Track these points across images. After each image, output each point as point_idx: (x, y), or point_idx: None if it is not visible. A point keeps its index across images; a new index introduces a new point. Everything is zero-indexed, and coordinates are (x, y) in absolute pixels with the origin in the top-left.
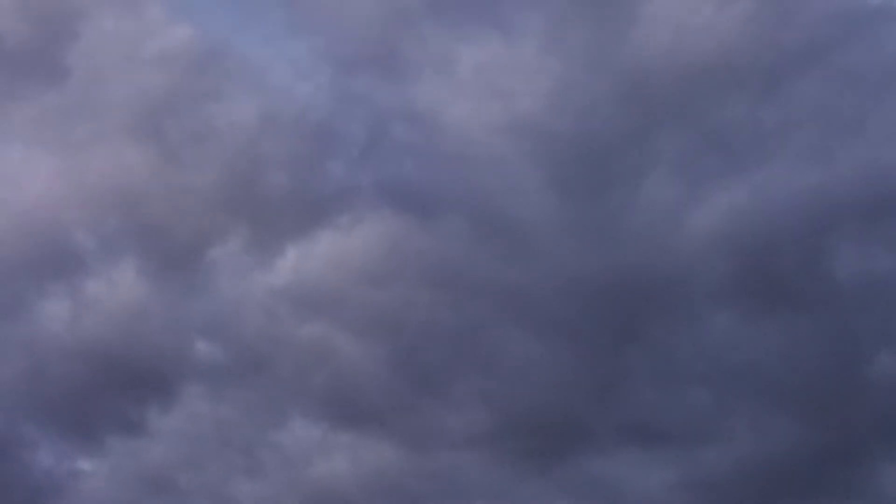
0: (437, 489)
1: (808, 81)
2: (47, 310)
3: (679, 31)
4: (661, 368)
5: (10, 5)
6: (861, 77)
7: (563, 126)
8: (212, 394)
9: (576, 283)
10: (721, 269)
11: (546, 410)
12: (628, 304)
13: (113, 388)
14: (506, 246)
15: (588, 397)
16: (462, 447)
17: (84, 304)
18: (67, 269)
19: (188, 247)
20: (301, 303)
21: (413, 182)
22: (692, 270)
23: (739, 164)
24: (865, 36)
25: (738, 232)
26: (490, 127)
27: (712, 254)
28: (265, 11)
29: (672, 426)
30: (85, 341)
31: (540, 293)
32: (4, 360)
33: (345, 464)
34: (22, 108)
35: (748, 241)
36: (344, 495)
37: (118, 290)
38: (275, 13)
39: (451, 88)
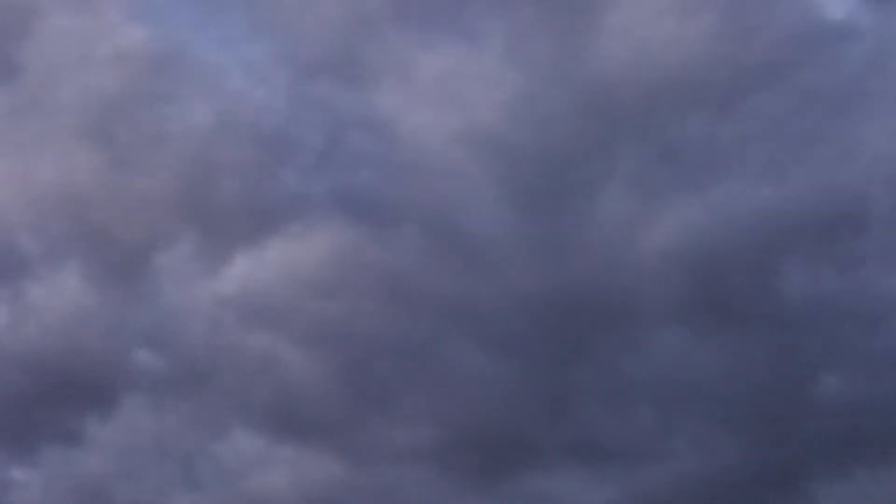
0: None
1: (765, 99)
2: None
3: (640, 45)
4: (607, 386)
5: None
6: (818, 96)
7: (522, 138)
8: (152, 404)
9: (527, 299)
10: (671, 286)
11: (492, 426)
12: (578, 321)
13: (50, 396)
14: (459, 259)
15: (535, 414)
16: (407, 462)
17: (25, 309)
18: (9, 274)
19: (135, 253)
20: (248, 312)
21: (368, 191)
22: (643, 287)
23: (694, 180)
24: (824, 55)
25: (690, 249)
26: (448, 137)
27: (663, 271)
28: (224, 13)
29: (617, 443)
30: (24, 348)
31: (491, 308)
32: None
33: (286, 477)
34: None
35: (699, 258)
36: None
37: (61, 295)
38: (234, 15)
39: (411, 96)
